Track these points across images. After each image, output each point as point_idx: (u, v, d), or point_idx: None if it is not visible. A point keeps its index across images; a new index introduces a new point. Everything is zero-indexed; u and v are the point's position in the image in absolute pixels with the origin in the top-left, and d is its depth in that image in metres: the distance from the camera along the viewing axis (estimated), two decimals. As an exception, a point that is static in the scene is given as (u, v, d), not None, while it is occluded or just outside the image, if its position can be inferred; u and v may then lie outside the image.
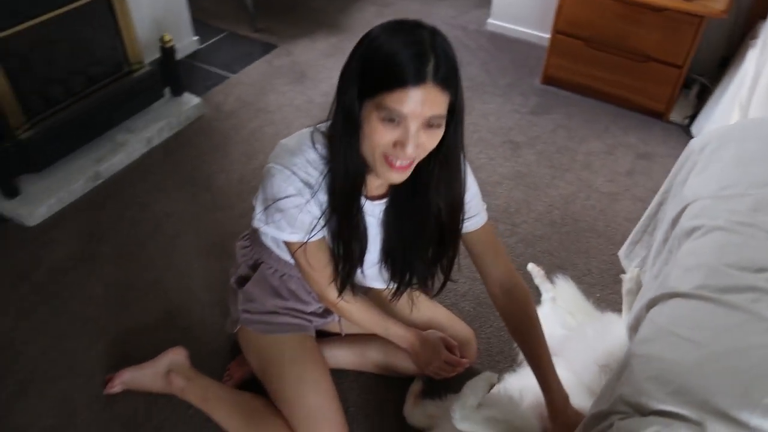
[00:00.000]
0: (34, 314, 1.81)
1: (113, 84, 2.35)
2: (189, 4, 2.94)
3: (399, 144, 1.03)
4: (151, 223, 2.11)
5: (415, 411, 1.57)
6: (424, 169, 1.15)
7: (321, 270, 1.28)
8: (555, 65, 2.73)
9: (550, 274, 1.91)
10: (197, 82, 2.81)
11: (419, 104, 0.98)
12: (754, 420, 0.75)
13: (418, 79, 0.97)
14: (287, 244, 1.28)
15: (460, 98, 1.06)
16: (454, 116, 1.07)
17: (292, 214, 1.19)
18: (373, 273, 1.40)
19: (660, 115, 2.61)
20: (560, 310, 1.78)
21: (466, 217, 1.31)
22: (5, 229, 2.08)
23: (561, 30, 2.61)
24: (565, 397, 1.30)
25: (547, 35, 2.71)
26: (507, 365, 1.70)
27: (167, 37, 2.43)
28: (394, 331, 1.45)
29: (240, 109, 2.66)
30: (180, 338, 1.72)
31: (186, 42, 2.99)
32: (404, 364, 1.60)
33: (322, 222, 1.20)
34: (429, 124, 1.02)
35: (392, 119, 1.00)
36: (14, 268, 1.94)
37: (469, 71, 2.92)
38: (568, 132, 2.55)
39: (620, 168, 2.37)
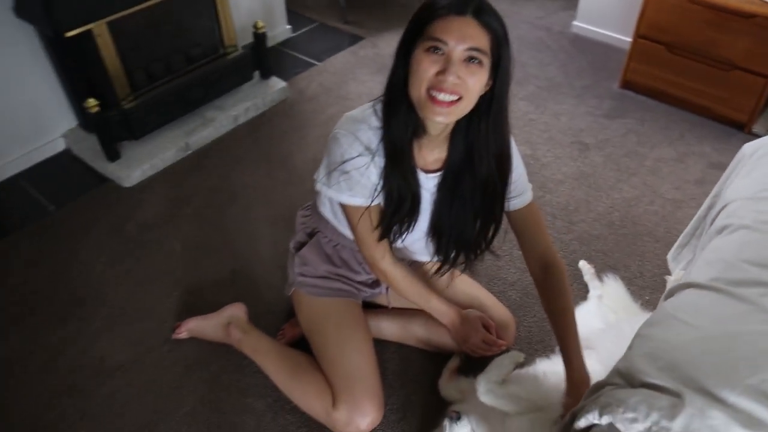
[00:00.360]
0: (122, 263, 2.04)
1: (208, 65, 2.57)
2: (285, -5, 3.15)
3: (441, 73, 1.11)
4: (229, 192, 2.31)
5: (449, 385, 1.65)
6: (473, 135, 1.24)
7: (372, 235, 1.38)
8: (634, 70, 2.70)
9: (600, 273, 1.93)
10: (285, 68, 3.00)
11: (459, 34, 1.08)
12: (733, 398, 0.79)
13: (459, 10, 1.09)
14: (344, 207, 1.38)
15: (505, 54, 1.14)
16: (499, 71, 1.14)
17: (354, 176, 1.29)
18: (419, 246, 1.49)
19: (741, 126, 2.52)
20: (604, 307, 1.80)
21: (512, 195, 1.40)
22: (105, 187, 2.34)
23: (643, 34, 2.58)
24: (583, 376, 1.34)
25: (630, 39, 2.68)
26: (544, 355, 1.74)
27: (260, 24, 2.63)
28: (436, 305, 1.54)
29: (321, 95, 2.82)
30: (242, 296, 1.89)
31: (279, 30, 3.19)
32: (444, 340, 1.68)
33: (379, 186, 1.30)
34: (470, 58, 1.10)
35: (436, 48, 1.10)
36: (109, 221, 2.19)
37: (547, 71, 2.94)
38: (640, 137, 2.52)
39: (689, 176, 2.32)
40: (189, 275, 2.00)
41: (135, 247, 2.10)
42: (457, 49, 1.09)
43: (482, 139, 1.24)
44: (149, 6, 2.24)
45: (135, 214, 2.22)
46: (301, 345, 1.70)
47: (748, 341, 0.86)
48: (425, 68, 1.11)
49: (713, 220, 1.26)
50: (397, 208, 1.34)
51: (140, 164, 2.36)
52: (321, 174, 1.37)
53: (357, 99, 2.78)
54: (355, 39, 3.25)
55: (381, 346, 1.74)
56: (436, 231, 1.44)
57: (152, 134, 2.45)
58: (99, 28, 2.11)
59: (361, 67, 3.01)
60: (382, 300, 1.74)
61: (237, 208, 2.24)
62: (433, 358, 1.73)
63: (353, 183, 1.30)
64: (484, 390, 1.37)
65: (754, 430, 0.76)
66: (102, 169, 2.38)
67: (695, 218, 1.55)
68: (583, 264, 1.96)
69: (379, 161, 1.29)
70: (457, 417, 1.34)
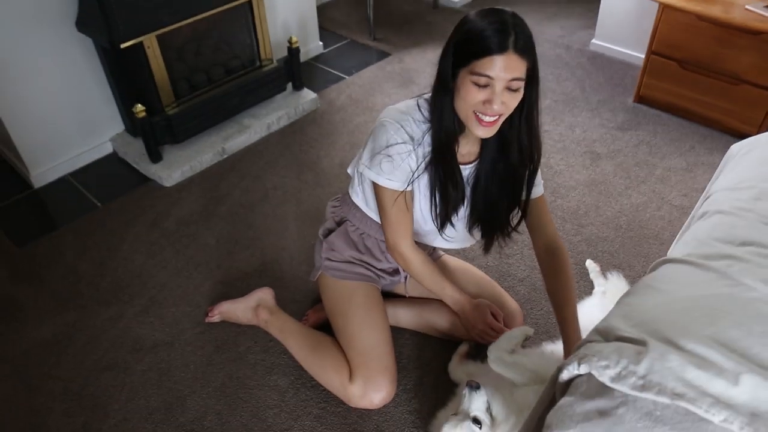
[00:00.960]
0: (160, 254, 2.22)
1: (245, 76, 2.77)
2: (318, 13, 3.34)
3: (487, 102, 1.28)
4: (260, 192, 2.49)
5: (458, 368, 1.77)
6: (506, 130, 1.40)
7: (400, 219, 1.54)
8: (649, 85, 2.81)
9: (605, 272, 2.03)
10: (317, 81, 3.19)
11: (503, 68, 1.24)
12: (690, 345, 0.90)
13: (502, 48, 1.23)
14: (379, 191, 1.52)
15: (536, 67, 1.30)
16: (533, 82, 1.31)
17: (396, 160, 1.45)
18: (457, 232, 1.63)
19: (748, 138, 2.61)
20: (607, 302, 1.90)
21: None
22: (147, 186, 2.54)
23: (656, 51, 2.70)
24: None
25: (644, 56, 2.81)
26: (550, 341, 1.85)
27: (294, 39, 2.83)
28: (450, 292, 1.69)
29: (349, 106, 3.00)
30: (270, 285, 2.04)
31: (312, 46, 3.40)
32: (457, 327, 1.81)
33: (420, 170, 1.46)
34: (510, 86, 1.27)
35: (481, 82, 1.26)
36: (150, 217, 2.38)
37: (564, 86, 3.07)
38: (651, 148, 2.63)
39: (698, 185, 2.42)
40: (222, 267, 2.17)
41: (173, 240, 2.28)
42: (501, 81, 1.25)
43: (515, 134, 1.41)
44: (194, 22, 2.44)
45: (174, 211, 2.41)
46: (324, 329, 1.85)
47: (709, 301, 0.97)
48: (473, 96, 1.28)
49: (697, 210, 1.38)
50: (444, 189, 1.49)
51: (180, 166, 2.55)
52: (365, 157, 1.52)
53: (383, 110, 2.94)
54: (382, 55, 3.43)
55: (397, 332, 1.88)
56: (474, 215, 1.59)
57: (192, 139, 2.65)
58: (149, 41, 2.32)
59: (388, 81, 3.19)
60: (399, 289, 1.88)
61: (267, 207, 2.41)
62: (444, 345, 1.86)
63: (394, 167, 1.46)
64: (494, 357, 1.49)
65: (705, 371, 0.87)
66: (145, 170, 2.59)
67: (690, 216, 1.66)
68: (589, 263, 2.07)
69: (421, 151, 1.45)
70: (476, 386, 1.46)
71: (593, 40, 3.36)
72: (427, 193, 1.53)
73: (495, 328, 1.70)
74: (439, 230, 1.58)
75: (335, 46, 3.55)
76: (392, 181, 1.48)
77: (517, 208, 1.58)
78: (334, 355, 1.70)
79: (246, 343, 1.91)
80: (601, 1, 3.21)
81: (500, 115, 1.32)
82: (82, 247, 2.26)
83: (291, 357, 1.83)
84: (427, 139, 1.44)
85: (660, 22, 2.63)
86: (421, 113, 1.45)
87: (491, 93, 1.26)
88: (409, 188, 1.49)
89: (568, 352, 1.45)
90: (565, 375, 1.04)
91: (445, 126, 1.39)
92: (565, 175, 2.49)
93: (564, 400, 1.02)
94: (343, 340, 1.70)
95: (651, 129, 2.74)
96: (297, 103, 2.92)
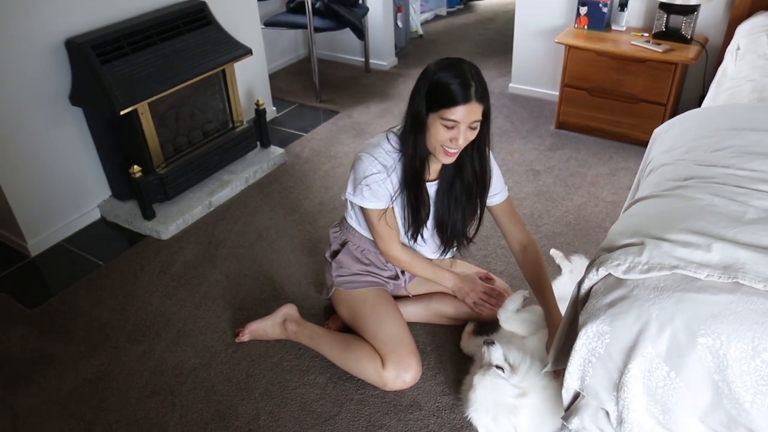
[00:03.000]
0: (175, 295, 2.41)
1: (221, 137, 3.07)
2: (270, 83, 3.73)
3: (453, 139, 1.63)
4: (255, 234, 2.74)
5: (468, 343, 2.08)
6: (461, 156, 1.76)
7: (387, 231, 1.87)
8: (565, 112, 3.38)
9: (568, 256, 2.45)
10: (279, 140, 3.52)
11: (466, 114, 1.59)
12: (673, 236, 1.30)
13: (466, 99, 1.57)
14: (366, 212, 1.86)
15: (489, 109, 1.67)
16: (487, 119, 1.69)
17: (373, 187, 1.78)
18: (428, 242, 1.97)
19: (654, 146, 3.21)
20: (576, 278, 2.30)
21: (492, 193, 1.94)
22: (145, 241, 2.73)
23: (568, 83, 3.28)
24: (560, 320, 1.82)
25: (556, 92, 3.39)
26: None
27: (261, 102, 3.18)
28: (440, 273, 2.00)
29: (315, 156, 3.35)
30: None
31: (267, 111, 3.74)
32: (461, 310, 2.12)
33: (397, 193, 1.80)
34: (471, 126, 1.64)
35: (449, 125, 1.61)
36: (156, 266, 2.57)
37: (496, 123, 3.59)
38: (578, 161, 3.15)
39: (622, 184, 2.94)
40: (237, 297, 2.38)
41: (184, 282, 2.47)
42: (464, 124, 1.60)
43: (468, 157, 1.78)
44: (176, 90, 2.73)
45: (178, 258, 2.61)
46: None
47: (676, 210, 1.38)
48: (442, 135, 1.63)
49: (643, 171, 1.82)
50: (416, 211, 1.84)
51: (174, 220, 2.77)
52: (349, 187, 1.86)
53: (345, 156, 3.31)
54: (331, 114, 3.84)
55: (410, 326, 2.15)
56: (439, 225, 1.94)
57: (180, 196, 2.88)
58: (143, 108, 2.59)
59: (342, 134, 3.58)
60: (403, 292, 2.19)
61: (265, 245, 2.67)
62: (452, 329, 2.17)
63: (373, 193, 1.79)
64: (504, 318, 1.83)
65: (688, 248, 1.26)
66: (139, 228, 2.78)
67: (630, 192, 2.12)
68: (553, 251, 2.48)
69: (395, 176, 1.79)
70: (492, 342, 1.78)
71: (510, 84, 3.94)
72: (401, 212, 1.87)
73: (488, 292, 2.01)
74: (410, 241, 1.92)
75: (287, 110, 3.92)
76: (374, 203, 1.81)
77: (477, 218, 1.94)
78: (365, 348, 1.95)
79: (278, 354, 2.12)
80: (513, 53, 3.82)
81: (461, 148, 1.69)
82: (97, 299, 2.40)
83: (323, 359, 2.07)
84: (399, 165, 1.79)
85: (568, 60, 3.22)
86: (391, 144, 1.80)
87: (457, 132, 1.60)
88: (390, 205, 1.83)
89: (552, 324, 1.78)
90: (586, 284, 1.41)
91: (417, 155, 1.73)
92: (515, 190, 2.94)
93: (589, 303, 1.38)
94: (368, 337, 1.96)
95: (575, 147, 3.28)
96: (268, 158, 3.23)
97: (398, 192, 1.81)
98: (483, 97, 1.60)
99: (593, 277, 1.38)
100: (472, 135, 1.66)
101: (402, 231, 1.91)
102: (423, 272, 1.99)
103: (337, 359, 2.03)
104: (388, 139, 1.81)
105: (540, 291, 1.89)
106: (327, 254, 2.12)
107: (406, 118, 1.74)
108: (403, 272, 2.08)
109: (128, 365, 2.10)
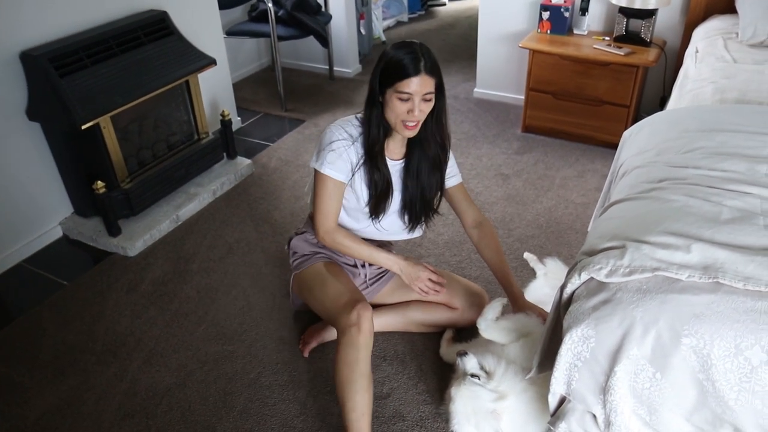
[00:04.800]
0: (145, 313, 2.34)
1: (187, 149, 3.00)
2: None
3: (410, 111, 1.70)
4: (225, 247, 2.69)
5: (448, 350, 2.07)
6: (423, 131, 1.81)
7: (330, 207, 1.85)
8: (532, 116, 3.42)
9: (541, 259, 2.47)
10: (245, 150, 3.47)
11: (419, 86, 1.66)
12: (652, 238, 1.31)
13: (416, 72, 1.64)
14: (319, 179, 1.83)
15: (442, 82, 1.74)
16: (440, 93, 1.75)
17: (339, 150, 1.80)
18: (395, 224, 1.98)
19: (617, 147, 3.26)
20: (550, 280, 2.32)
21: (449, 176, 1.99)
22: (111, 259, 2.64)
23: (534, 87, 3.32)
24: (519, 291, 1.94)
25: (521, 96, 3.43)
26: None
27: (226, 112, 3.12)
28: (384, 256, 1.93)
29: (282, 167, 3.30)
30: (260, 320, 2.25)
31: (232, 122, 3.67)
32: (438, 317, 2.12)
33: (359, 165, 1.82)
34: (425, 98, 1.70)
35: (404, 98, 1.68)
36: (124, 284, 2.49)
37: (463, 127, 3.61)
38: (546, 164, 3.19)
39: (589, 186, 2.98)
40: (210, 312, 2.33)
41: (154, 299, 2.40)
42: (418, 96, 1.68)
43: (430, 133, 1.84)
44: (138, 103, 2.66)
45: (146, 275, 2.54)
46: (324, 348, 2.08)
47: (652, 213, 1.40)
48: (399, 108, 1.70)
49: (614, 174, 1.85)
50: (377, 190, 1.87)
51: (141, 236, 2.69)
52: (313, 157, 1.87)
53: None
54: (297, 122, 3.80)
55: (388, 335, 2.16)
56: (406, 203, 1.96)
57: (146, 211, 2.81)
58: (105, 121, 2.51)
59: (309, 142, 3.54)
60: (380, 299, 2.16)
61: (237, 258, 2.62)
62: (431, 337, 2.16)
63: (337, 155, 1.80)
64: (484, 327, 1.83)
65: (668, 249, 1.28)
66: (104, 246, 2.69)
67: (602, 193, 2.15)
68: (527, 254, 2.50)
69: (358, 147, 1.83)
70: (464, 353, 1.77)
71: (476, 89, 3.97)
72: (364, 187, 1.88)
73: (434, 280, 1.94)
74: (372, 220, 1.93)
75: (252, 120, 3.87)
76: (334, 171, 1.81)
77: (439, 193, 1.99)
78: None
79: (255, 370, 2.08)
80: (478, 58, 3.85)
81: (419, 121, 1.74)
82: (62, 321, 2.31)
83: (301, 374, 2.04)
84: (362, 139, 1.83)
85: (532, 65, 3.26)
86: (357, 121, 1.86)
87: (412, 104, 1.68)
88: (342, 178, 1.82)
89: (513, 294, 1.87)
90: (568, 288, 1.41)
91: (374, 130, 1.80)
92: (485, 195, 2.96)
93: (572, 307, 1.39)
94: (324, 300, 1.90)
95: (542, 150, 3.32)
96: (235, 169, 3.18)
97: (360, 163, 1.84)
98: (433, 70, 1.68)
99: (575, 282, 1.39)
100: (427, 107, 1.72)
101: (366, 209, 1.91)
102: (363, 254, 1.93)
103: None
104: (356, 117, 1.88)
105: (498, 268, 2.00)
106: (286, 246, 2.16)
107: (367, 97, 1.80)
108: (363, 264, 2.06)
109: (99, 388, 2.03)
